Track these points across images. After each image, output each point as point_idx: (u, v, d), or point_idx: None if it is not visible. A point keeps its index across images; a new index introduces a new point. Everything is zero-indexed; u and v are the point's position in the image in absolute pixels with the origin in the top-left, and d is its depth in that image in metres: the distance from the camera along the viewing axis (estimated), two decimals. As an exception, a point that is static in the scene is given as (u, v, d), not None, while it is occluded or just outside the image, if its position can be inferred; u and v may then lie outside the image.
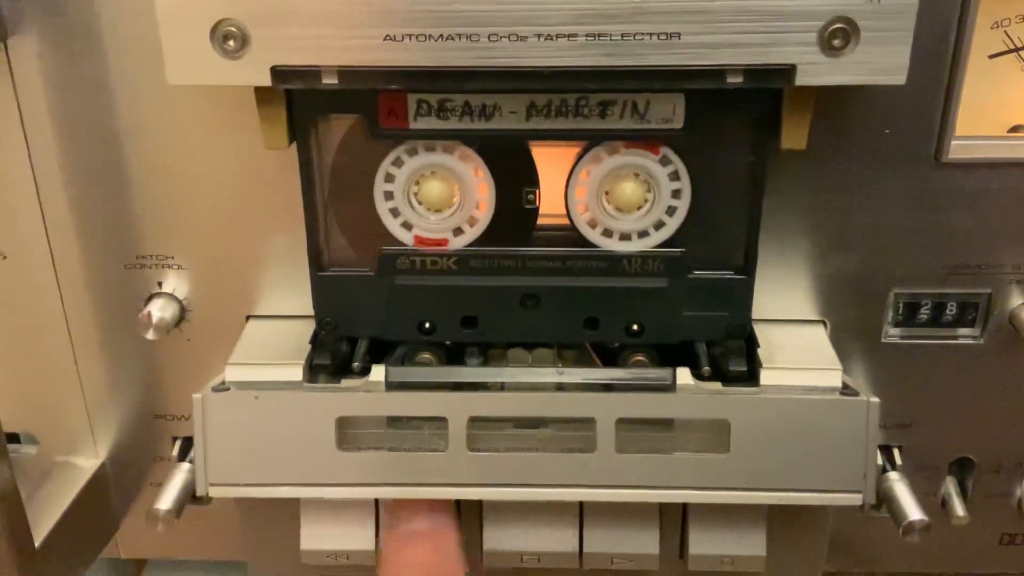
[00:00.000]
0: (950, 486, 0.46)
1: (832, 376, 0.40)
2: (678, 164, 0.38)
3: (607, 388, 0.40)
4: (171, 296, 0.43)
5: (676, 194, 0.39)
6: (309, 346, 0.42)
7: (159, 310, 0.42)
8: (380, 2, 0.33)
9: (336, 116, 0.38)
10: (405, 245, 0.40)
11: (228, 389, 0.39)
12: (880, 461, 0.43)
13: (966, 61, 0.38)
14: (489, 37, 0.33)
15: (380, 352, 0.42)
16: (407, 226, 0.40)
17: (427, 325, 0.41)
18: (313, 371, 0.41)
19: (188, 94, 0.39)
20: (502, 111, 0.37)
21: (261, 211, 0.42)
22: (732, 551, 0.42)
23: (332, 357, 0.41)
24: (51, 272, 0.43)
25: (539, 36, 0.33)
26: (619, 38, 0.33)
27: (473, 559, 0.43)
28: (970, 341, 0.43)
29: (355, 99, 0.37)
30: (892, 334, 0.43)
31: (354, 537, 0.43)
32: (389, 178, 0.39)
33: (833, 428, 0.38)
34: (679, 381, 0.39)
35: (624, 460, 0.39)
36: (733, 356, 0.41)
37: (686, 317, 0.40)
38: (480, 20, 0.33)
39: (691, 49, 0.33)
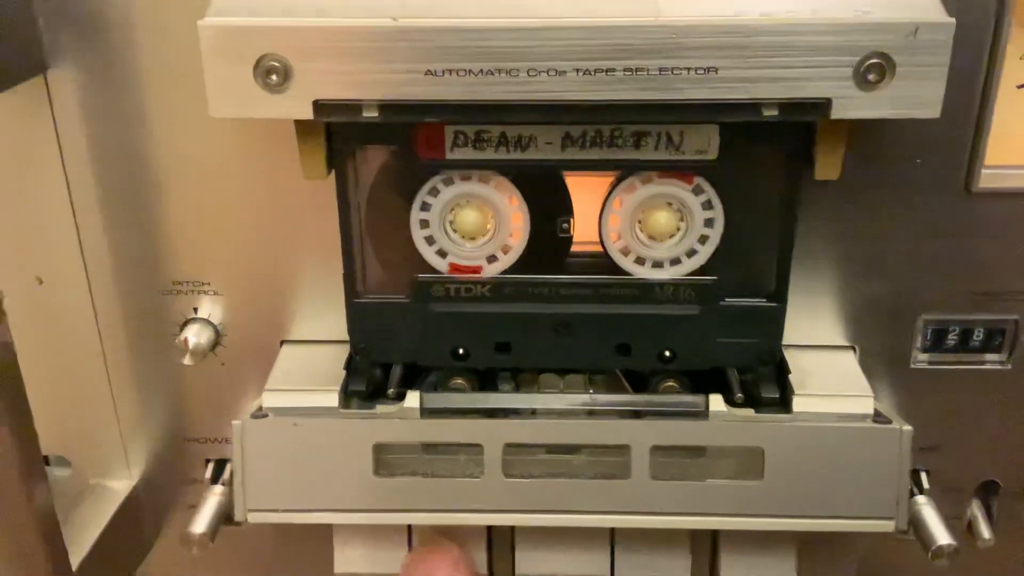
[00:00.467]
0: (976, 509, 0.47)
1: (864, 403, 0.40)
2: (711, 194, 0.39)
3: (639, 415, 0.40)
4: (207, 321, 0.43)
5: (709, 223, 0.39)
6: (343, 372, 0.42)
7: (195, 335, 0.43)
8: (421, 37, 0.33)
9: (374, 147, 0.39)
10: (440, 272, 0.40)
11: (267, 416, 0.40)
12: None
13: (996, 92, 0.38)
14: (528, 72, 0.33)
15: (411, 376, 0.43)
16: (442, 254, 0.40)
17: (461, 351, 0.41)
18: (348, 396, 0.41)
19: (225, 124, 0.39)
20: (537, 142, 0.38)
21: (294, 237, 0.42)
22: (763, 576, 0.43)
23: (367, 383, 0.42)
24: (87, 297, 0.43)
25: (577, 71, 0.33)
26: (657, 72, 0.33)
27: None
28: (997, 366, 0.44)
29: (393, 130, 0.37)
30: (920, 359, 0.43)
31: (388, 560, 0.43)
32: (425, 207, 0.39)
33: (866, 456, 0.39)
34: (712, 408, 0.40)
35: (658, 487, 0.39)
36: (765, 383, 0.41)
37: (718, 344, 0.40)
38: (519, 55, 0.33)
39: (728, 83, 0.33)
